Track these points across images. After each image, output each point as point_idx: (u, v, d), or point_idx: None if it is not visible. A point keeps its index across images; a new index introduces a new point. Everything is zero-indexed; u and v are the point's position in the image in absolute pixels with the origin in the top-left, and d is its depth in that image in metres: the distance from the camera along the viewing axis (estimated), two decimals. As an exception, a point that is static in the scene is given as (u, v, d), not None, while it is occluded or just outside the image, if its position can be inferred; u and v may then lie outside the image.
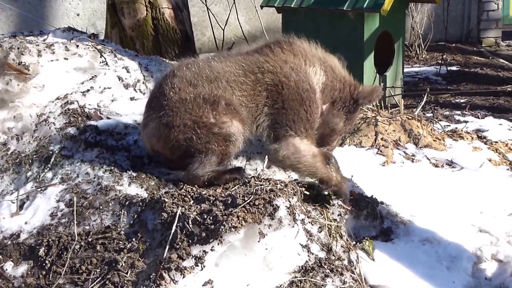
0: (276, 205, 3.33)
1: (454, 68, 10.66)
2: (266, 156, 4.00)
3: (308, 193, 3.77)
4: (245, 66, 4.00)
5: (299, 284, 3.34)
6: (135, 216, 3.56)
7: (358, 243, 3.93)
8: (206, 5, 9.21)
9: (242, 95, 3.95)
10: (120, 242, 3.42)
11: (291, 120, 3.96)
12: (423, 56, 11.64)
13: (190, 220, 3.28)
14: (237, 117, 3.87)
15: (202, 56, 9.29)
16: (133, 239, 3.42)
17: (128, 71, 5.24)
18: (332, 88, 4.17)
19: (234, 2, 9.40)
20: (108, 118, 4.63)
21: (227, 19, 9.43)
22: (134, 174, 3.97)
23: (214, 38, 9.41)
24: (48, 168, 4.11)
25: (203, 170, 3.81)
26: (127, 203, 3.65)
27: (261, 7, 8.11)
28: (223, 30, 9.21)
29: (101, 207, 3.68)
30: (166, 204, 3.44)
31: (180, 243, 3.22)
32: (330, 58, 4.30)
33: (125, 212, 3.60)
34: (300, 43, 4.22)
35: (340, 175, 4.12)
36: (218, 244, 3.19)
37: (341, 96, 4.20)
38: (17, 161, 4.28)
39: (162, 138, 3.89)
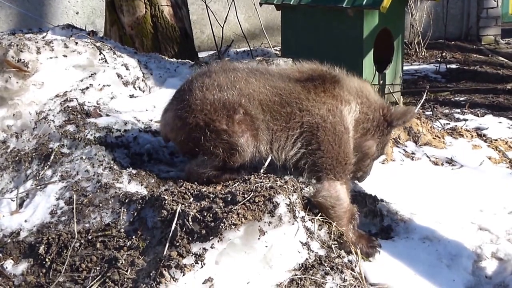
0: (276, 202, 3.33)
1: (453, 66, 10.65)
2: (269, 156, 3.96)
3: (308, 190, 3.76)
4: (283, 96, 3.96)
5: (299, 282, 3.34)
6: (135, 214, 3.55)
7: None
8: (205, 3, 9.20)
9: (273, 122, 3.91)
10: (120, 240, 3.42)
11: (330, 164, 3.90)
12: (423, 54, 11.63)
13: (190, 218, 3.27)
14: (251, 131, 3.85)
15: (205, 54, 9.30)
16: (133, 237, 3.42)
17: (127, 69, 5.24)
18: (366, 120, 4.14)
19: (233, 0, 9.39)
20: (107, 115, 4.63)
21: (226, 17, 9.41)
22: (134, 172, 3.97)
23: (213, 36, 9.39)
24: (47, 166, 4.11)
25: (204, 168, 3.81)
26: (127, 200, 3.65)
27: (260, 4, 8.10)
28: (222, 28, 9.20)
29: (100, 204, 3.68)
30: (166, 202, 3.43)
31: (180, 241, 3.22)
32: (365, 86, 4.27)
33: (125, 210, 3.60)
34: (342, 80, 4.15)
35: (358, 233, 3.98)
36: (218, 241, 3.18)
37: (374, 123, 4.16)
38: (16, 159, 4.27)
39: (175, 129, 3.92)
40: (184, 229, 3.26)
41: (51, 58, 4.99)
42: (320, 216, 3.75)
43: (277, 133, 3.92)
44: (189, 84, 3.98)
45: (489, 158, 5.77)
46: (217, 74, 3.96)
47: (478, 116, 7.59)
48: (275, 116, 3.91)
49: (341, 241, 3.77)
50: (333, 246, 3.64)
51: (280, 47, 8.52)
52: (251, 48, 9.39)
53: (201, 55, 9.72)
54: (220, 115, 3.80)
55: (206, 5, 9.19)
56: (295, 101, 3.94)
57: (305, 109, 3.94)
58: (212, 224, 3.22)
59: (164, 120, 4.04)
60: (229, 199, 3.35)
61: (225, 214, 3.22)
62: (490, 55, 11.71)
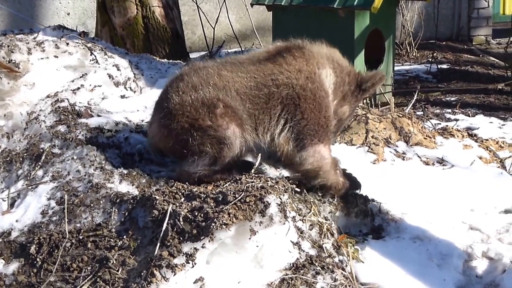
0: (267, 202, 3.34)
1: (444, 66, 10.67)
2: (259, 155, 3.99)
3: (299, 190, 3.77)
4: (257, 78, 4.01)
5: (290, 282, 3.35)
6: (126, 214, 3.56)
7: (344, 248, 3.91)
8: (196, 4, 9.20)
9: (254, 108, 3.96)
10: (111, 240, 3.43)
11: (313, 129, 4.00)
12: (414, 54, 11.64)
13: (181, 217, 3.28)
14: (236, 121, 3.88)
15: (196, 55, 9.31)
16: (124, 237, 3.42)
17: (118, 69, 5.24)
18: (342, 84, 4.23)
19: (224, 1, 9.39)
20: (98, 116, 4.63)
21: (218, 17, 9.42)
22: (125, 172, 3.98)
23: (205, 36, 9.40)
24: (39, 166, 4.11)
25: (195, 168, 3.82)
26: (118, 200, 3.66)
27: (251, 5, 8.10)
28: (214, 28, 9.20)
29: (92, 204, 3.68)
30: (157, 202, 3.44)
31: (171, 241, 3.23)
32: (335, 52, 4.35)
33: (116, 210, 3.61)
34: (309, 46, 4.23)
35: (343, 178, 4.21)
36: (209, 241, 3.19)
37: (350, 88, 4.26)
38: (7, 159, 4.28)
39: (162, 138, 3.93)
40: (175, 229, 3.27)
41: (42, 58, 4.99)
42: (311, 214, 3.77)
43: (259, 117, 3.98)
44: (165, 92, 4.03)
45: (480, 158, 5.79)
46: (189, 76, 3.99)
47: (469, 116, 7.61)
48: (255, 101, 3.96)
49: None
50: (324, 246, 3.65)
51: (271, 48, 8.51)
52: (243, 49, 9.41)
53: (192, 55, 9.71)
54: (202, 113, 3.84)
55: (197, 6, 9.19)
56: (270, 80, 4.00)
57: (282, 84, 4.00)
58: (203, 224, 3.23)
59: (151, 133, 4.07)
60: (220, 199, 3.36)
61: (216, 214, 3.23)
62: (481, 55, 11.74)
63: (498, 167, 5.68)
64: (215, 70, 4.02)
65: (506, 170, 5.60)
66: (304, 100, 3.99)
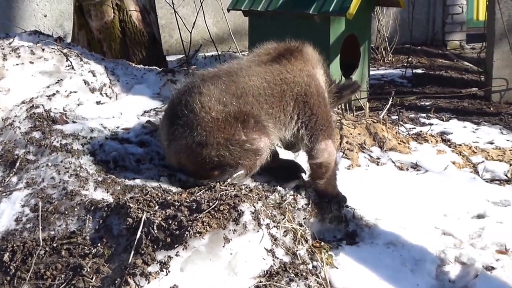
0: (240, 210, 3.36)
1: (419, 70, 10.73)
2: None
3: (273, 197, 3.80)
4: (268, 78, 4.15)
5: (264, 288, 3.38)
6: (101, 221, 3.56)
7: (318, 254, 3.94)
8: (173, 8, 9.20)
9: (270, 107, 4.10)
10: (85, 247, 3.42)
11: (323, 124, 4.20)
12: (389, 58, 11.69)
13: (155, 226, 3.30)
14: (265, 132, 4.01)
15: (173, 58, 9.31)
16: (98, 244, 3.42)
17: (94, 75, 5.24)
18: (328, 85, 4.43)
19: (201, 5, 9.39)
20: (74, 122, 4.62)
21: (195, 21, 9.41)
22: (100, 179, 3.98)
23: (182, 40, 9.39)
24: (13, 173, 4.09)
25: (231, 180, 3.92)
26: (92, 208, 3.65)
27: (228, 10, 8.12)
28: (190, 32, 9.19)
29: (66, 212, 3.68)
30: (132, 209, 3.45)
31: (145, 248, 3.24)
32: (319, 55, 4.53)
33: (91, 217, 3.61)
34: (305, 48, 4.42)
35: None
36: (183, 249, 3.21)
37: (331, 91, 4.45)
38: (-19, 165, 4.26)
39: (193, 155, 3.95)
40: (149, 237, 3.28)
41: (17, 64, 4.99)
42: (285, 222, 3.79)
43: (276, 115, 4.13)
44: (187, 107, 4.00)
45: (453, 163, 5.84)
46: (207, 89, 4.03)
47: (443, 121, 7.67)
48: (270, 100, 4.11)
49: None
50: (297, 252, 3.68)
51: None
52: (219, 53, 9.42)
53: (169, 59, 9.70)
54: (237, 128, 3.93)
55: (174, 10, 9.19)
56: (279, 79, 4.16)
57: (290, 82, 4.17)
58: (177, 232, 3.24)
59: (174, 151, 4.05)
60: (194, 207, 3.38)
61: (190, 222, 3.25)
62: (455, 60, 11.82)
63: (471, 172, 5.74)
64: (229, 77, 4.11)
65: (479, 175, 5.66)
66: (311, 96, 4.18)
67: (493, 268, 4.12)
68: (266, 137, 4.01)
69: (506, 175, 5.75)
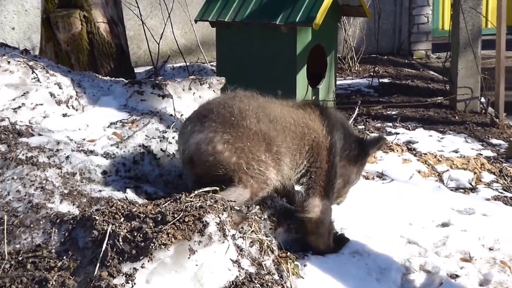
0: (205, 221, 3.37)
1: (386, 80, 10.80)
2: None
3: (238, 209, 3.82)
4: (295, 118, 4.21)
5: (229, 299, 3.40)
6: (66, 234, 3.54)
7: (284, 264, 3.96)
8: (141, 19, 9.21)
9: (292, 143, 4.11)
10: (51, 261, 3.40)
11: (324, 181, 4.20)
12: (356, 68, 11.75)
13: (120, 238, 3.29)
14: (279, 164, 4.01)
15: (142, 70, 9.31)
16: (64, 257, 3.41)
17: (60, 87, 5.22)
18: (348, 148, 4.46)
19: (169, 16, 9.42)
20: (40, 135, 4.60)
21: (162, 32, 9.45)
22: (66, 191, 3.96)
23: (150, 51, 9.42)
24: (-22, 187, 4.07)
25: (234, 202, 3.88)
26: (58, 220, 3.64)
27: (195, 21, 8.14)
28: (158, 44, 9.22)
29: (32, 225, 3.65)
30: (97, 222, 3.44)
31: (110, 261, 3.23)
32: (343, 117, 4.72)
33: (56, 230, 3.59)
34: (328, 110, 4.51)
35: (333, 242, 4.38)
36: (148, 261, 3.21)
37: (354, 153, 4.50)
38: None
39: (213, 153, 3.89)
40: (114, 249, 3.28)
41: (-18, 77, 4.96)
42: (251, 233, 3.81)
43: (293, 153, 4.14)
44: (226, 109, 4.01)
45: (419, 172, 5.91)
46: (247, 100, 4.11)
47: (409, 130, 7.74)
48: (292, 137, 4.13)
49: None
50: (263, 263, 3.70)
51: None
52: (187, 64, 9.45)
53: (138, 70, 9.72)
54: (262, 146, 3.95)
55: (142, 22, 9.21)
56: (302, 121, 4.22)
57: (311, 128, 4.22)
58: (142, 244, 3.24)
59: (198, 140, 3.95)
60: (159, 219, 3.38)
61: (155, 234, 3.25)
62: (421, 69, 11.92)
63: (436, 180, 5.81)
64: (264, 102, 4.21)
65: (443, 184, 5.73)
66: (325, 150, 4.21)
67: (457, 276, 4.18)
68: (277, 173, 4.01)
69: (471, 184, 5.83)
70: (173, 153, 4.70)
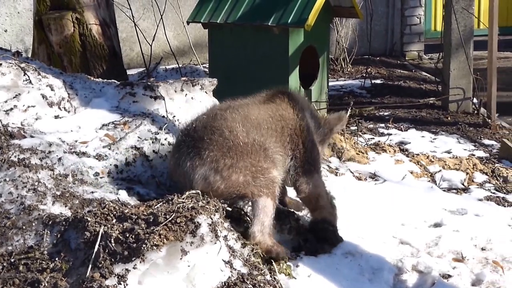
0: (197, 222, 3.37)
1: (378, 81, 10.81)
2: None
3: (230, 209, 3.82)
4: (271, 114, 4.30)
5: (222, 300, 3.41)
6: (58, 236, 3.54)
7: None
8: (133, 21, 9.20)
9: (276, 141, 4.21)
10: (43, 262, 3.40)
11: (311, 159, 4.36)
12: (348, 69, 11.76)
13: (112, 239, 3.29)
14: (275, 163, 4.12)
15: (134, 71, 9.30)
16: (56, 259, 3.41)
17: (52, 89, 5.21)
18: (317, 127, 4.59)
19: (161, 18, 9.41)
20: (32, 136, 4.59)
21: (155, 34, 9.43)
22: (58, 193, 3.96)
23: (142, 53, 9.40)
24: (-30, 189, 4.06)
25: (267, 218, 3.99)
26: (50, 222, 3.63)
27: (188, 23, 8.14)
28: (151, 46, 9.21)
29: (24, 227, 3.65)
30: (89, 223, 3.44)
31: (102, 262, 3.23)
32: (306, 100, 4.82)
33: (49, 232, 3.59)
34: (294, 93, 4.67)
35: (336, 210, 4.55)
36: (140, 262, 3.21)
37: (322, 131, 4.64)
38: None
39: (223, 180, 3.96)
40: (106, 251, 3.28)
41: (-27, 79, 4.95)
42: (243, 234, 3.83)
43: (280, 150, 4.23)
44: (216, 134, 4.03)
45: (411, 173, 5.93)
46: (231, 115, 4.15)
47: (402, 131, 7.76)
48: (275, 134, 4.23)
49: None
50: (255, 263, 3.70)
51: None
52: (180, 66, 9.44)
53: (130, 72, 9.72)
54: (260, 156, 4.04)
55: (135, 24, 9.20)
56: (278, 115, 4.31)
57: (287, 118, 4.32)
58: (135, 245, 3.24)
59: (204, 176, 4.00)
60: (151, 220, 3.38)
61: (147, 235, 3.25)
62: (413, 70, 11.94)
63: (429, 181, 5.83)
64: (244, 110, 4.25)
65: (436, 184, 5.75)
66: (303, 132, 4.33)
67: (449, 276, 4.19)
68: (276, 168, 4.11)
69: (463, 184, 5.85)
70: (165, 155, 4.70)
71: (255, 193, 3.95)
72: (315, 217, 4.41)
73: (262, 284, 3.56)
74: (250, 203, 4.07)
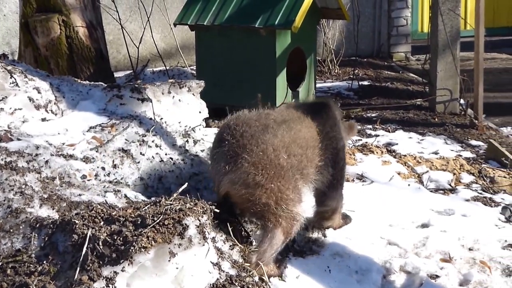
0: (185, 224, 3.37)
1: (365, 82, 10.81)
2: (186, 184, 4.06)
3: (218, 211, 3.83)
4: (318, 131, 4.34)
5: (210, 302, 3.41)
6: (46, 239, 3.53)
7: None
8: (120, 23, 9.18)
9: (314, 163, 4.27)
10: (31, 265, 3.39)
11: (341, 176, 4.54)
12: (336, 71, 11.75)
13: (100, 242, 3.28)
14: (301, 198, 4.07)
15: (122, 74, 9.27)
16: (44, 262, 3.40)
17: (39, 92, 5.20)
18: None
19: (148, 20, 9.40)
20: (18, 139, 4.58)
21: (142, 36, 9.41)
22: (45, 196, 3.95)
23: (129, 56, 9.38)
24: (-43, 192, 4.04)
25: (271, 251, 3.91)
26: (38, 225, 3.62)
27: (175, 25, 8.13)
28: (138, 48, 9.19)
29: (11, 230, 3.64)
30: (77, 226, 3.43)
31: (90, 265, 3.23)
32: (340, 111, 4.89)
33: (36, 235, 3.58)
34: (333, 105, 4.71)
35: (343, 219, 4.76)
36: (128, 264, 3.20)
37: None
38: None
39: (248, 192, 3.90)
40: (94, 253, 3.27)
41: (-40, 83, 4.93)
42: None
43: (316, 165, 4.27)
44: (260, 147, 3.95)
45: (399, 174, 5.94)
46: (280, 132, 4.07)
47: (389, 132, 7.76)
48: (314, 157, 4.24)
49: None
50: (244, 265, 3.71)
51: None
52: (167, 68, 9.42)
53: (118, 74, 9.69)
54: (290, 184, 3.98)
55: (122, 26, 9.17)
56: (324, 133, 4.35)
57: (331, 138, 4.40)
58: (123, 247, 3.24)
59: (231, 180, 3.95)
60: (139, 222, 3.38)
61: (135, 237, 3.25)
62: (400, 72, 11.96)
63: (416, 182, 5.84)
64: (296, 126, 4.21)
65: (423, 185, 5.76)
66: (341, 150, 4.46)
67: (437, 276, 4.21)
68: (301, 204, 4.05)
69: (450, 185, 5.86)
70: (152, 157, 4.70)
71: (272, 221, 3.89)
72: (323, 225, 4.58)
73: (250, 286, 3.57)
74: (261, 226, 4.02)
